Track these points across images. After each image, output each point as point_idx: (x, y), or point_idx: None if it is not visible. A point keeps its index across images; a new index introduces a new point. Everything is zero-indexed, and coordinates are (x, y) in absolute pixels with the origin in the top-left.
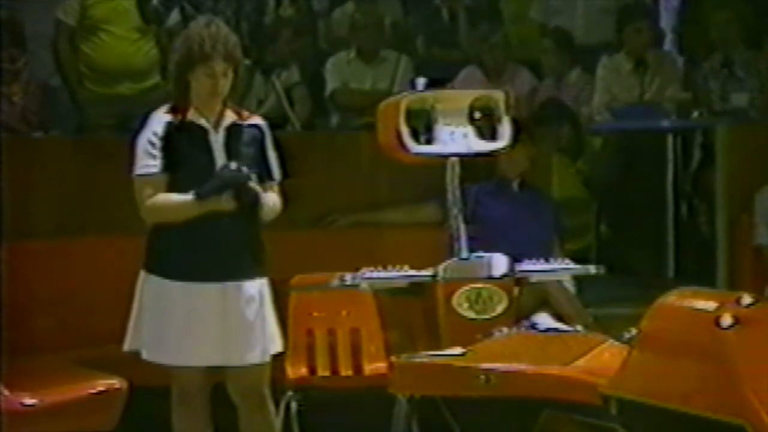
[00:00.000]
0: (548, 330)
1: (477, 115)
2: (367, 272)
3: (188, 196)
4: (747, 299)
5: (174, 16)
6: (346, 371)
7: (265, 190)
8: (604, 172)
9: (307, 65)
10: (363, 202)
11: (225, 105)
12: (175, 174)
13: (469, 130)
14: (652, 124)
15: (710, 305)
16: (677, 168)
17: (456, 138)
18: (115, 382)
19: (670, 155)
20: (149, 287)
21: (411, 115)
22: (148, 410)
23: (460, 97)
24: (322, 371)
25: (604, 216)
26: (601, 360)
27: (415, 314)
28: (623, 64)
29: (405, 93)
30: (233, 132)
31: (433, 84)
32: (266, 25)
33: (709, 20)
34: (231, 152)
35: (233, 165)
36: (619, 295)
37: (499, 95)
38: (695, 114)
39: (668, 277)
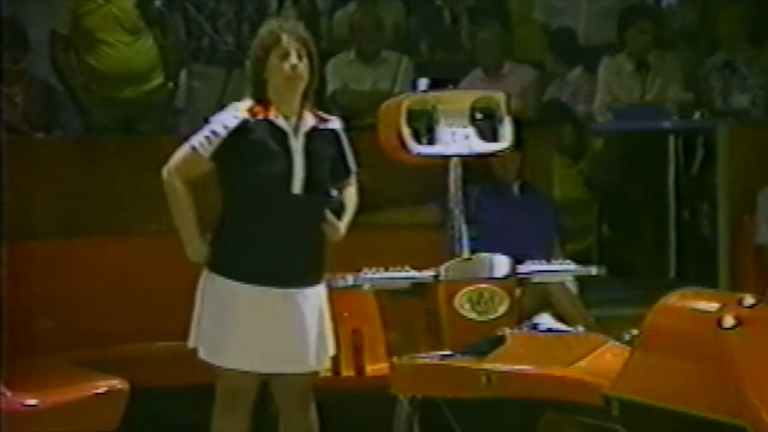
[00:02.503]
0: (550, 331)
1: (478, 115)
2: (369, 273)
3: (191, 231)
4: (749, 300)
5: None
6: (347, 372)
7: (345, 186)
8: (605, 173)
9: None
10: (364, 202)
11: (303, 105)
12: (248, 174)
13: (471, 130)
14: (653, 124)
15: (712, 306)
16: (679, 169)
17: (457, 139)
18: (117, 383)
19: (672, 156)
20: (212, 286)
21: (412, 116)
22: (149, 411)
23: (461, 98)
24: (324, 372)
25: (606, 217)
26: (603, 361)
27: (416, 315)
28: (625, 65)
29: (406, 94)
30: (313, 138)
31: (435, 85)
32: None
33: (717, 14)
34: (310, 158)
35: None
36: (620, 296)
37: (500, 96)
38: (697, 115)
39: (670, 278)
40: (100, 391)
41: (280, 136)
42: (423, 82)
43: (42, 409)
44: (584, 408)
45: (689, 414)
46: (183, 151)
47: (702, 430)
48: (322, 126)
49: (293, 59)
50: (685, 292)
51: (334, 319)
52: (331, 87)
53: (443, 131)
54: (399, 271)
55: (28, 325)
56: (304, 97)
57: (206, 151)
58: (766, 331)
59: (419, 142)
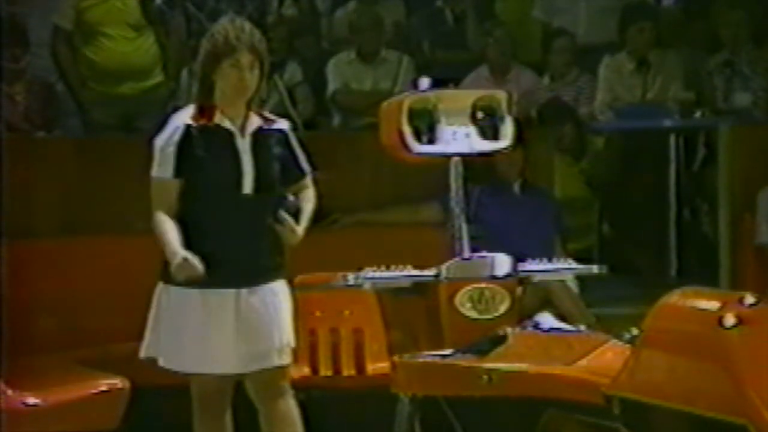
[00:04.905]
0: (551, 330)
1: (479, 114)
2: (370, 272)
3: (175, 250)
4: (750, 299)
5: None
6: (348, 371)
7: (300, 188)
8: (606, 172)
9: (309, 65)
10: (365, 201)
11: (249, 108)
12: (198, 177)
13: (472, 129)
14: (654, 123)
15: (713, 305)
16: (680, 168)
17: (458, 138)
18: (118, 382)
19: (673, 155)
20: (167, 296)
21: (413, 115)
22: (150, 410)
23: (462, 96)
24: (325, 371)
25: (607, 215)
26: (604, 360)
27: (417, 314)
28: (625, 64)
29: (407, 93)
30: (260, 138)
31: (436, 84)
32: (268, 24)
33: (719, 18)
34: (258, 158)
35: None
36: (621, 295)
37: (501, 95)
38: (698, 113)
39: (671, 277)
40: (101, 389)
41: (227, 137)
42: (424, 82)
43: (43, 407)
44: (585, 407)
45: (690, 413)
46: (152, 189)
47: (703, 429)
48: (267, 126)
49: (246, 73)
50: (686, 291)
51: (336, 317)
52: (331, 87)
53: (444, 130)
54: (400, 270)
55: (28, 323)
56: (249, 104)
57: (167, 173)
58: (767, 330)
59: (420, 141)
